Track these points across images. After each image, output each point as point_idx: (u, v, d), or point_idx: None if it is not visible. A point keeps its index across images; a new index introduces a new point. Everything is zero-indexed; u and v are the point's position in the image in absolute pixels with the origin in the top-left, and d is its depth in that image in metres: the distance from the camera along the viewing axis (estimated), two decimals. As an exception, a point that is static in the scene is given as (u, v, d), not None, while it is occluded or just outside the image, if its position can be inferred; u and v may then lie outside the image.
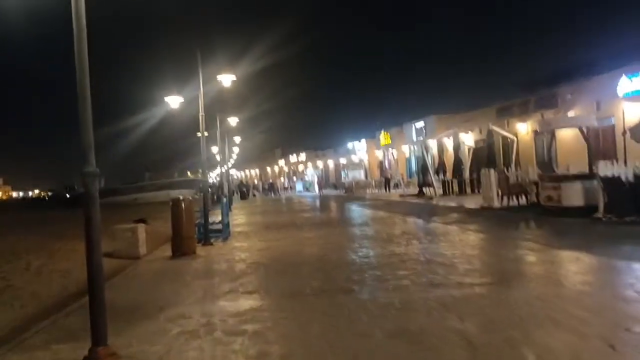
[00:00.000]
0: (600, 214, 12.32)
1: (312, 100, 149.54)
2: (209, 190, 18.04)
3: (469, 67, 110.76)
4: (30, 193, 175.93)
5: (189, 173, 77.43)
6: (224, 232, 14.32)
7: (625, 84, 19.69)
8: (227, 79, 16.97)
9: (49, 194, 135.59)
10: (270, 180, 68.14)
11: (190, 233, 11.63)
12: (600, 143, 20.96)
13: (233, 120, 31.98)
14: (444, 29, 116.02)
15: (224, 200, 17.50)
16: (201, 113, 14.22)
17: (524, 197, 17.81)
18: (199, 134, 14.37)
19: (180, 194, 50.07)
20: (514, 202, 17.87)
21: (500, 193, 18.13)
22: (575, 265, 7.86)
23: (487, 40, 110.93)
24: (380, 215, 19.15)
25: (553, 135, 17.86)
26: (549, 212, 14.32)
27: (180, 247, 11.33)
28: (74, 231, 15.28)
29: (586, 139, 16.69)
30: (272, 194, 53.97)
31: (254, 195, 53.84)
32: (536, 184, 17.28)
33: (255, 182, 78.65)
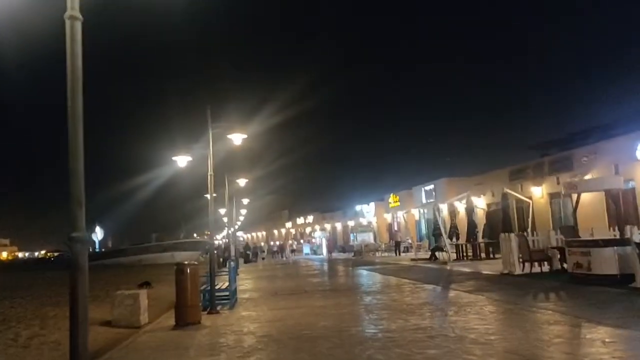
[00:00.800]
0: (638, 283, 11.41)
1: (320, 162, 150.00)
2: (215, 252, 17.30)
3: (479, 127, 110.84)
4: (36, 254, 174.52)
5: (195, 235, 76.63)
6: (231, 299, 13.49)
7: (644, 147, 19.15)
8: (237, 138, 16.52)
9: (55, 254, 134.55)
10: (279, 242, 67.04)
11: (195, 301, 10.88)
12: (621, 207, 20.19)
13: (241, 182, 31.48)
14: (454, 90, 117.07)
15: (232, 264, 16.68)
16: (209, 172, 13.69)
17: (546, 263, 16.94)
18: (207, 196, 13.76)
19: (186, 256, 49.01)
20: (535, 268, 16.96)
21: (521, 259, 17.24)
22: (633, 346, 6.93)
23: (498, 101, 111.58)
24: (395, 281, 18.20)
25: (577, 199, 17.14)
26: (577, 279, 13.42)
27: (184, 316, 10.62)
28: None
29: (616, 203, 16.01)
30: (280, 257, 53.00)
31: (263, 259, 52.46)
32: (559, 249, 16.45)
33: (262, 244, 77.47)
